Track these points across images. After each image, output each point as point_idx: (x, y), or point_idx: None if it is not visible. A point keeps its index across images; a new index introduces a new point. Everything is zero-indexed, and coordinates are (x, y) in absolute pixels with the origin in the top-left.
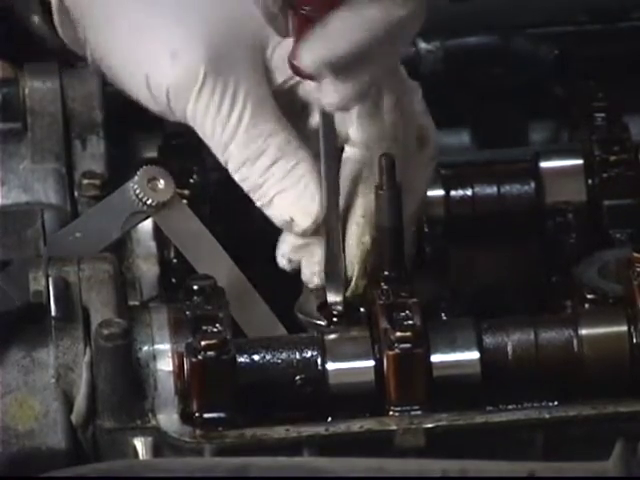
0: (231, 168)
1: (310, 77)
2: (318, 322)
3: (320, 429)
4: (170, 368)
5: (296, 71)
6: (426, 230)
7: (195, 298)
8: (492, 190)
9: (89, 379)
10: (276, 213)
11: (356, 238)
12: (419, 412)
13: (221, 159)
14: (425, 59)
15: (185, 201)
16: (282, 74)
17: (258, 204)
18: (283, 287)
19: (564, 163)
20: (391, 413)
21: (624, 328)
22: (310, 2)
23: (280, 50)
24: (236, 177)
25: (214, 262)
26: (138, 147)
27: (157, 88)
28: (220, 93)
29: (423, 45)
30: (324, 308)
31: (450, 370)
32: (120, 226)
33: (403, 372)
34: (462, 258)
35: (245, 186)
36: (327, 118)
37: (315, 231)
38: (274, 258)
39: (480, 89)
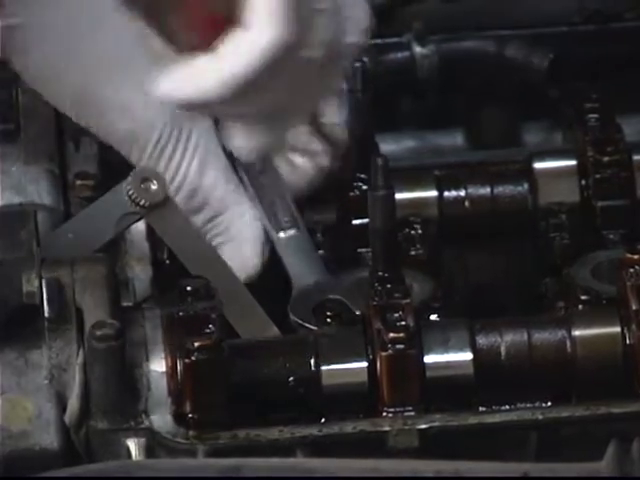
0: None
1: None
2: (310, 326)
3: (313, 430)
4: (163, 369)
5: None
6: (419, 231)
7: (188, 299)
8: (486, 191)
9: (82, 380)
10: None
11: None
12: (412, 413)
13: None
14: (420, 62)
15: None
16: None
17: None
18: (275, 288)
19: (557, 164)
20: (384, 414)
21: (617, 329)
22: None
23: None
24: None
25: (207, 263)
26: None
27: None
28: (173, 144)
29: (418, 49)
30: (318, 311)
31: (443, 371)
32: (113, 227)
33: (396, 373)
34: (455, 259)
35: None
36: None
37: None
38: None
39: (474, 91)
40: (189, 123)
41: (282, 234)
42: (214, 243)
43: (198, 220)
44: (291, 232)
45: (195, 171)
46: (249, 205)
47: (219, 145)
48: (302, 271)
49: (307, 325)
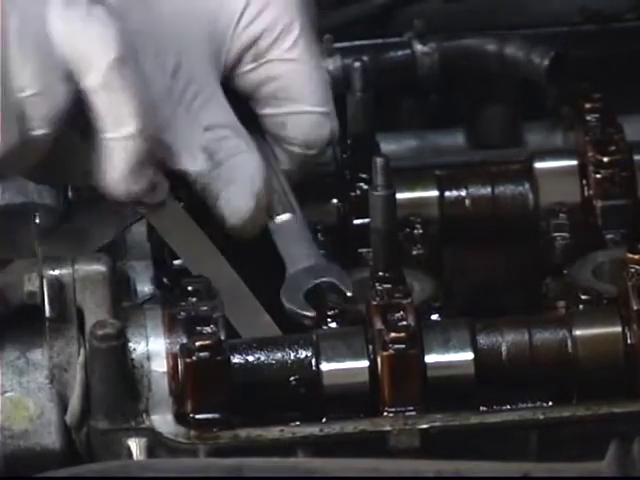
0: None
1: None
2: (305, 313)
3: (314, 430)
4: (164, 369)
5: None
6: (420, 230)
7: (189, 299)
8: (486, 191)
9: (83, 380)
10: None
11: None
12: (413, 413)
13: None
14: (421, 61)
15: (179, 202)
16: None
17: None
18: (277, 287)
19: (558, 164)
20: (385, 414)
21: (618, 329)
22: None
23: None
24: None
25: (208, 263)
26: None
27: None
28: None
29: (419, 48)
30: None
31: (444, 371)
32: (114, 227)
33: (397, 373)
34: (456, 259)
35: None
36: None
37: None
38: (268, 258)
39: (475, 90)
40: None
41: (276, 218)
42: (219, 185)
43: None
44: (285, 217)
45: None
46: (257, 153)
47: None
48: (296, 256)
49: (299, 311)
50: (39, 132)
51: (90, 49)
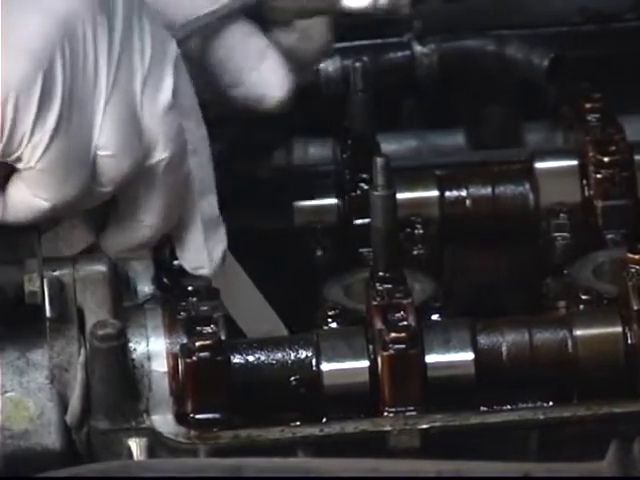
0: None
1: None
2: None
3: (314, 430)
4: (165, 369)
5: None
6: (421, 231)
7: (189, 299)
8: (487, 191)
9: (84, 380)
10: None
11: None
12: (414, 413)
13: None
14: (420, 61)
15: None
16: None
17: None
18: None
19: (559, 164)
20: (386, 414)
21: (619, 329)
22: None
23: None
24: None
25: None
26: None
27: None
28: None
29: (418, 48)
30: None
31: (445, 371)
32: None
33: (398, 373)
34: (457, 259)
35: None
36: None
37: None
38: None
39: (474, 90)
40: None
41: None
42: (235, 72)
43: (223, 43)
44: None
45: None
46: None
47: None
48: None
49: None
50: (101, 189)
51: (161, 137)
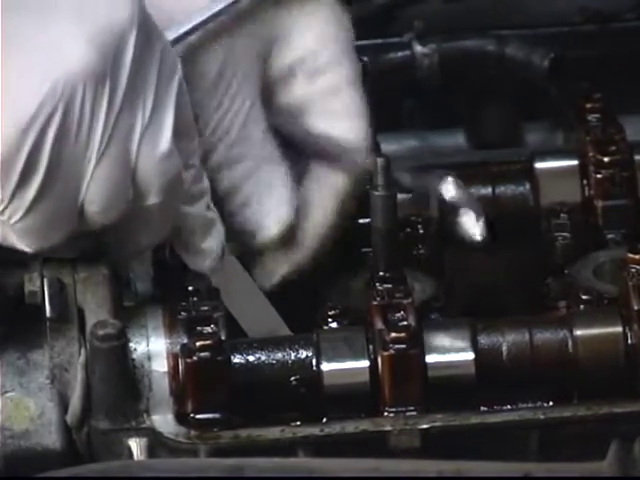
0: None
1: None
2: None
3: (315, 430)
4: (165, 369)
5: None
6: (421, 230)
7: (190, 299)
8: (487, 191)
9: (84, 380)
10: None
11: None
12: (414, 413)
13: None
14: (421, 61)
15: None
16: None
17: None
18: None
19: (559, 164)
20: (386, 414)
21: (619, 329)
22: None
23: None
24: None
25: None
26: None
27: None
28: (225, 87)
29: (419, 48)
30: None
31: (445, 371)
32: None
33: (398, 373)
34: (457, 259)
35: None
36: None
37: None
38: None
39: (475, 90)
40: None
41: None
42: (239, 201)
43: (232, 174)
44: None
45: (241, 122)
46: (283, 168)
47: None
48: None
49: None
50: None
51: (156, 183)
